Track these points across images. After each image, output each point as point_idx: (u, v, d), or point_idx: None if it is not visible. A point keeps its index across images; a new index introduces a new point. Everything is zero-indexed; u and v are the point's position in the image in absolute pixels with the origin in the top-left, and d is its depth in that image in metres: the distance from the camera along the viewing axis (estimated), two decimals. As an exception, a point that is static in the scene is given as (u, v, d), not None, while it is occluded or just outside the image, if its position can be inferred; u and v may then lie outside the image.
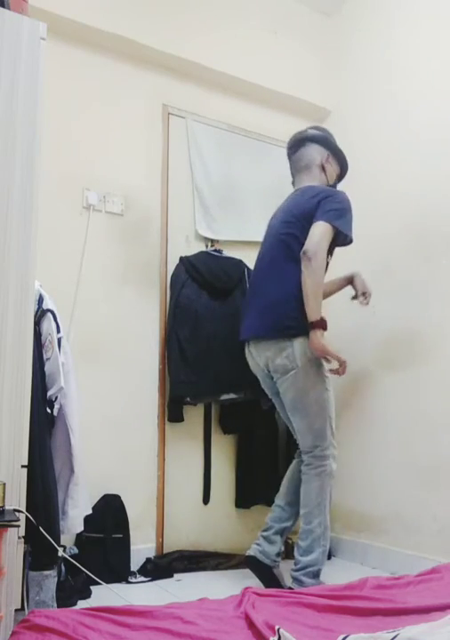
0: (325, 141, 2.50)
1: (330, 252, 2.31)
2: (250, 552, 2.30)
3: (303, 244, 2.22)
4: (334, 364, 2.32)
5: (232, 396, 2.68)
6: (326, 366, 2.31)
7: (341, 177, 2.58)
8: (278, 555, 2.30)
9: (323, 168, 2.48)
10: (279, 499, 2.38)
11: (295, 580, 2.21)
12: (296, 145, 2.51)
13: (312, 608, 1.56)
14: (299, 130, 2.56)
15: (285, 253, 2.30)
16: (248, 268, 2.81)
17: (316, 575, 2.20)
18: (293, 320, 2.23)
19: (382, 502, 2.71)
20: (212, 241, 2.93)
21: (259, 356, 2.32)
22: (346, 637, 1.26)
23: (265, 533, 2.32)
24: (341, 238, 2.31)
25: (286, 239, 2.31)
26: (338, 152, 2.52)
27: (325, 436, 2.25)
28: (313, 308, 2.20)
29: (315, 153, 2.48)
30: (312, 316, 2.19)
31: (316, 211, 2.26)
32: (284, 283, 2.27)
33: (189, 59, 2.89)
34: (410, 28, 2.83)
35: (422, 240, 2.65)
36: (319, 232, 2.22)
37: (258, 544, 2.30)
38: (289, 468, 2.43)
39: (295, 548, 2.27)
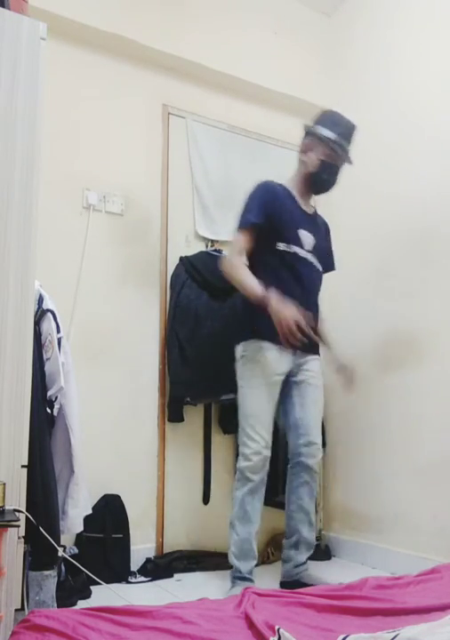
0: (307, 130, 2.45)
1: (270, 246, 2.33)
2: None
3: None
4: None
5: (232, 396, 2.67)
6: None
7: (335, 155, 2.39)
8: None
9: (301, 160, 2.45)
10: None
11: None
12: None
13: (312, 608, 1.56)
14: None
15: None
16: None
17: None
18: (235, 327, 2.42)
19: (382, 502, 2.71)
20: (212, 241, 2.93)
21: None
22: (346, 637, 1.26)
23: None
24: (263, 230, 2.32)
25: None
26: (320, 134, 2.39)
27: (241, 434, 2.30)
28: (248, 294, 2.24)
29: (300, 145, 2.48)
30: (252, 299, 2.22)
31: None
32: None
33: (189, 59, 2.89)
34: (409, 28, 2.83)
35: (422, 240, 2.65)
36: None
37: None
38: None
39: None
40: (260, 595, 1.64)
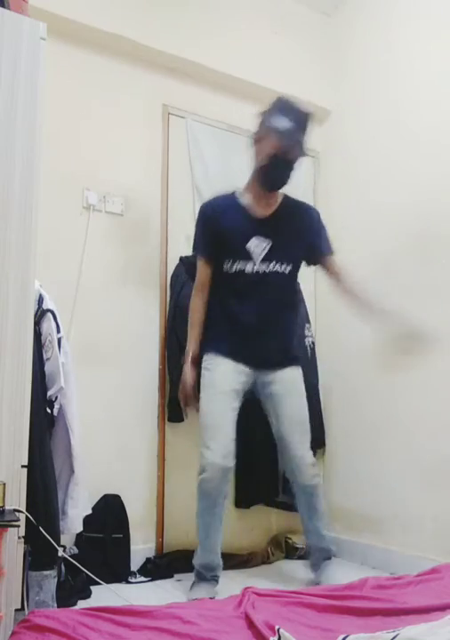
0: (259, 118, 2.27)
1: (219, 268, 2.33)
2: None
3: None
4: None
5: (232, 396, 2.67)
6: None
7: (287, 146, 2.20)
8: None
9: (253, 153, 2.30)
10: None
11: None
12: None
13: (312, 608, 1.56)
14: None
15: None
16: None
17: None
18: None
19: (382, 502, 2.71)
20: (212, 241, 2.93)
21: None
22: (346, 637, 1.26)
23: None
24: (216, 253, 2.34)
25: None
26: (267, 126, 2.22)
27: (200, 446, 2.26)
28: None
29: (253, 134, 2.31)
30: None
31: None
32: None
33: (189, 59, 2.89)
34: (410, 29, 2.83)
35: (422, 240, 2.65)
36: None
37: None
38: None
39: None
40: (260, 595, 1.64)
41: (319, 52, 3.31)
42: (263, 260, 2.28)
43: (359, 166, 3.07)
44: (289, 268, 2.32)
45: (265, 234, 2.29)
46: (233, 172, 3.03)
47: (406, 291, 2.70)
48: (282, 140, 2.19)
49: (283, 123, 2.18)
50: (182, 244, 2.86)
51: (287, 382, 2.34)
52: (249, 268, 2.27)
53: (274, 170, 2.25)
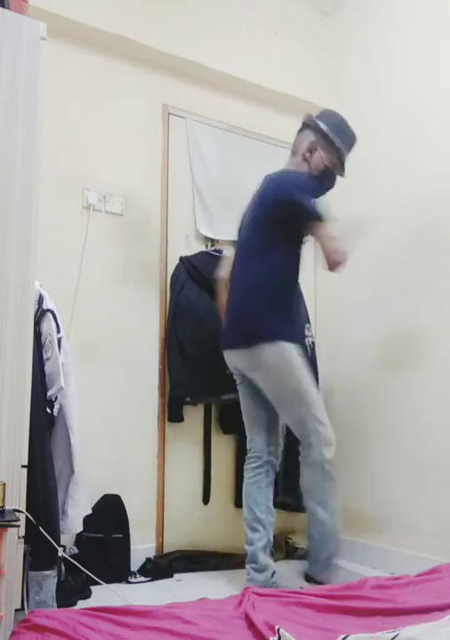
0: (316, 128, 2.38)
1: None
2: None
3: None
4: None
5: (232, 396, 2.67)
6: None
7: (337, 164, 2.41)
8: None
9: (304, 157, 2.40)
10: None
11: (309, 575, 2.26)
12: (299, 130, 2.48)
13: (312, 608, 1.56)
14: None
15: None
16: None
17: (328, 566, 2.22)
18: None
19: (382, 502, 2.71)
20: (212, 241, 2.93)
21: None
22: (346, 637, 1.26)
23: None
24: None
25: None
26: (332, 140, 2.37)
27: None
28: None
29: (304, 140, 2.42)
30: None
31: None
32: None
33: (189, 59, 2.89)
34: (410, 28, 2.83)
35: (422, 240, 2.65)
36: None
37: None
38: None
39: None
40: (260, 595, 1.64)
41: (319, 51, 3.31)
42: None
43: (359, 165, 3.06)
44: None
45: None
46: (233, 172, 3.04)
47: (407, 289, 2.70)
48: (338, 159, 2.39)
49: (340, 142, 2.37)
50: (182, 244, 2.87)
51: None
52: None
53: (324, 182, 2.40)
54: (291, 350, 2.23)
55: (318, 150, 2.38)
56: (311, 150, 2.39)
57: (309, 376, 2.28)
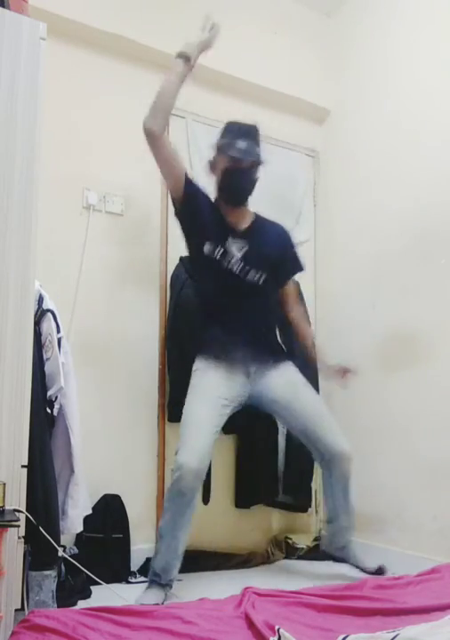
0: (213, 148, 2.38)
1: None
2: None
3: None
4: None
5: (232, 395, 2.68)
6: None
7: (234, 162, 2.30)
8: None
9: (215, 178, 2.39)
10: None
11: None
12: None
13: (312, 608, 1.56)
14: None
15: None
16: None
17: None
18: None
19: (382, 502, 2.71)
20: (212, 241, 2.93)
21: None
22: (346, 637, 1.26)
23: None
24: None
25: None
26: (218, 145, 2.35)
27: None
28: None
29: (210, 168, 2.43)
30: None
31: None
32: None
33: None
34: (410, 28, 2.83)
35: (422, 240, 2.65)
36: None
37: None
38: None
39: None
40: (260, 595, 1.64)
41: (319, 51, 3.31)
42: (240, 262, 2.31)
43: (359, 166, 3.07)
44: (263, 277, 2.34)
45: (239, 240, 2.34)
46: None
47: (406, 290, 2.70)
48: (228, 154, 2.29)
49: (225, 140, 2.31)
50: (182, 244, 2.86)
51: (285, 378, 2.35)
52: (226, 263, 2.30)
53: (231, 182, 2.32)
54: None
55: (215, 167, 2.38)
56: (211, 172, 2.39)
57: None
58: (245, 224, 2.40)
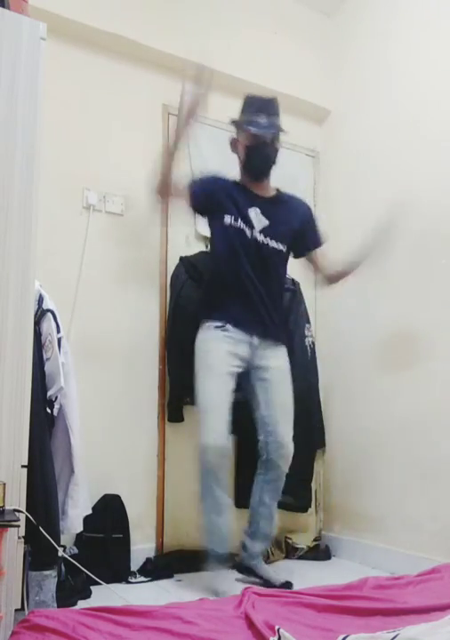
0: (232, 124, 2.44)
1: None
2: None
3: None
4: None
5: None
6: None
7: (256, 137, 2.35)
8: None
9: (237, 156, 2.47)
10: None
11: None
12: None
13: (312, 608, 1.56)
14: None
15: None
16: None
17: None
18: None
19: (382, 502, 2.71)
20: (212, 240, 2.93)
21: None
22: (346, 637, 1.26)
23: None
24: None
25: None
26: (239, 122, 2.41)
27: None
28: None
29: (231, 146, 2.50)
30: None
31: None
32: None
33: (189, 59, 2.88)
34: (410, 28, 2.83)
35: (421, 240, 2.65)
36: None
37: None
38: None
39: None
40: (260, 595, 1.64)
41: (319, 52, 3.31)
42: (262, 232, 2.37)
43: (359, 165, 3.07)
44: (284, 248, 2.42)
45: (263, 209, 2.39)
46: (233, 172, 3.03)
47: (407, 289, 2.70)
48: (251, 129, 2.33)
49: (245, 117, 2.34)
50: (182, 244, 2.86)
51: (279, 365, 2.40)
52: (249, 231, 2.35)
53: (255, 158, 2.38)
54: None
55: (237, 143, 2.44)
56: (233, 148, 2.46)
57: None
58: (268, 194, 2.46)
